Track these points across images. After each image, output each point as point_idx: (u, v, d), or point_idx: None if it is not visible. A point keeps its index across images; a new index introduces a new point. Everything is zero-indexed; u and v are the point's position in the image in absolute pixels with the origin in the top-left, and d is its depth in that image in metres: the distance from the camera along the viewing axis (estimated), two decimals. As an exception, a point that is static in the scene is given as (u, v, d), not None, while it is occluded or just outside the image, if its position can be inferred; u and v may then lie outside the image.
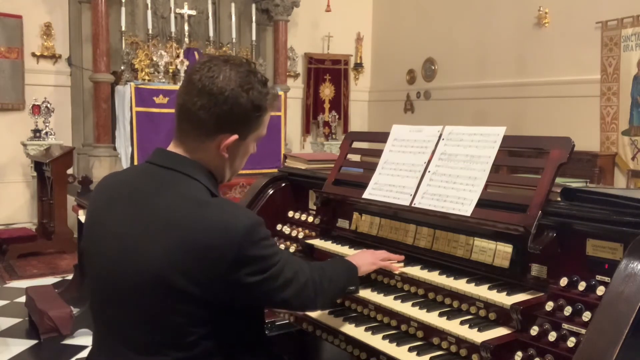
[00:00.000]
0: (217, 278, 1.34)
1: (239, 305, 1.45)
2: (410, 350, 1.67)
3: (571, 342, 1.43)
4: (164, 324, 1.36)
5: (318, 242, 2.31)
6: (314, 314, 1.98)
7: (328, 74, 8.92)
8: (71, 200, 5.66)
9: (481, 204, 1.76)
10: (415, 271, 1.90)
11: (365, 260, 1.91)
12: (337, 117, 8.71)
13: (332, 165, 2.40)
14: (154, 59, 6.78)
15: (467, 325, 1.62)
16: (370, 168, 2.20)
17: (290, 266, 1.51)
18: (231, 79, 1.43)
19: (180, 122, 1.49)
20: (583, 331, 1.42)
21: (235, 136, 1.47)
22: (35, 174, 6.45)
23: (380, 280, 2.02)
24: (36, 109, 6.60)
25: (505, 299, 1.61)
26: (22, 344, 3.69)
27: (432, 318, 1.71)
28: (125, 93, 6.32)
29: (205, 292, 1.34)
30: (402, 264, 1.96)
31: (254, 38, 7.72)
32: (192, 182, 1.44)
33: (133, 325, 1.39)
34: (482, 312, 1.68)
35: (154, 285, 1.34)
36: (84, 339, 3.71)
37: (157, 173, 1.47)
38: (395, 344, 1.72)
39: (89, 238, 1.52)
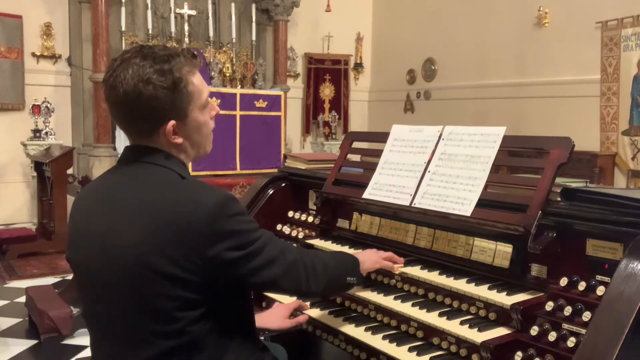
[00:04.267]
0: (195, 256, 1.33)
1: (227, 285, 1.43)
2: (410, 350, 1.68)
3: (571, 342, 1.43)
4: (151, 311, 1.35)
5: (318, 242, 2.31)
6: (313, 314, 1.98)
7: (328, 74, 8.92)
8: (71, 200, 5.65)
9: (481, 204, 1.76)
10: (415, 271, 1.90)
11: (368, 257, 1.89)
12: (337, 117, 8.71)
13: (332, 165, 2.40)
14: (154, 59, 6.77)
15: (467, 325, 1.62)
16: (370, 168, 2.20)
17: (274, 244, 1.49)
18: (127, 80, 1.39)
19: (125, 134, 1.51)
20: (583, 331, 1.42)
21: (172, 122, 1.43)
22: (35, 174, 6.45)
23: (380, 280, 2.03)
24: (36, 109, 6.60)
25: (505, 299, 1.61)
26: (22, 344, 3.68)
27: (432, 318, 1.71)
28: (125, 93, 6.31)
29: (188, 273, 1.34)
30: (402, 265, 1.96)
31: (254, 38, 7.72)
32: (160, 169, 1.45)
33: (123, 318, 1.39)
34: (482, 312, 1.68)
35: (136, 271, 1.34)
36: (84, 339, 3.71)
37: (127, 168, 1.48)
38: (395, 344, 1.72)
39: (72, 248, 1.52)
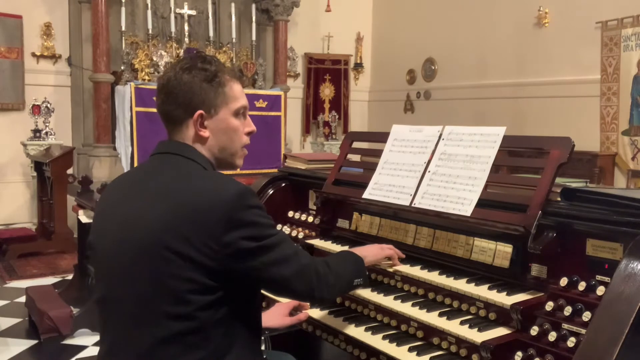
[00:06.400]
0: (212, 240, 1.38)
1: (240, 277, 1.45)
2: (410, 350, 1.68)
3: (571, 342, 1.43)
4: (164, 291, 1.39)
5: (318, 242, 2.31)
6: (314, 314, 1.98)
7: (328, 74, 8.92)
8: (71, 200, 5.65)
9: (481, 204, 1.76)
10: (415, 271, 1.90)
11: (370, 251, 1.91)
12: (337, 117, 8.70)
13: (332, 165, 2.41)
14: (154, 59, 6.78)
15: (467, 325, 1.62)
16: (370, 168, 2.20)
17: (289, 245, 1.54)
18: (174, 68, 1.56)
19: (164, 124, 1.61)
20: (583, 331, 1.42)
21: (199, 112, 1.53)
22: (35, 174, 6.45)
23: (380, 280, 2.03)
24: (36, 109, 6.59)
25: (505, 299, 1.61)
26: (22, 344, 3.68)
27: (432, 318, 1.71)
28: (125, 93, 6.32)
29: (203, 256, 1.38)
30: (403, 257, 1.98)
31: (254, 38, 7.71)
32: (186, 161, 1.54)
33: (136, 297, 1.43)
34: (482, 312, 1.68)
35: (154, 250, 1.39)
36: (84, 339, 3.71)
37: (157, 159, 1.58)
38: (395, 344, 1.72)
39: (96, 230, 1.59)
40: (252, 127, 1.65)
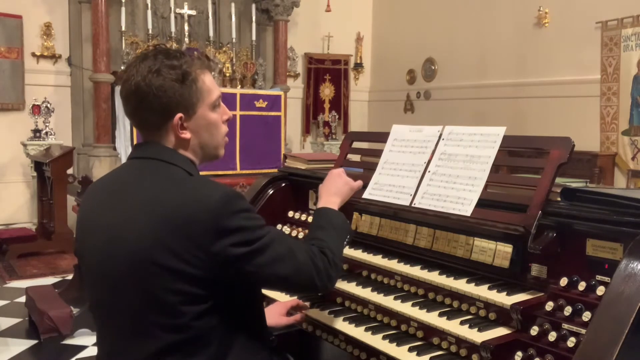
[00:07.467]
0: (199, 251, 1.35)
1: (235, 281, 1.43)
2: (410, 350, 1.67)
3: (571, 342, 1.43)
4: (156, 304, 1.36)
5: (318, 242, 2.30)
6: (313, 314, 1.98)
7: (328, 74, 8.92)
8: (71, 200, 5.66)
9: (481, 204, 1.76)
10: (415, 271, 1.90)
11: (342, 192, 1.93)
12: (337, 117, 8.71)
13: (332, 165, 2.40)
14: (154, 59, 6.78)
15: (467, 325, 1.62)
16: (370, 168, 2.19)
17: (283, 243, 1.49)
18: (139, 71, 1.45)
19: (139, 130, 1.56)
20: (583, 331, 1.42)
21: (179, 115, 1.47)
22: (35, 174, 6.45)
23: (380, 280, 2.02)
24: (36, 109, 6.60)
25: (505, 299, 1.61)
26: (22, 344, 3.69)
27: (432, 318, 1.71)
28: (125, 93, 6.31)
29: (192, 267, 1.35)
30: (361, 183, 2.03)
31: (254, 38, 7.72)
32: (168, 166, 1.48)
33: (128, 310, 1.40)
34: (482, 312, 1.68)
35: (141, 264, 1.36)
36: (84, 339, 3.71)
37: (137, 164, 1.52)
38: (395, 344, 1.72)
39: (80, 241, 1.55)
40: (228, 114, 1.61)
